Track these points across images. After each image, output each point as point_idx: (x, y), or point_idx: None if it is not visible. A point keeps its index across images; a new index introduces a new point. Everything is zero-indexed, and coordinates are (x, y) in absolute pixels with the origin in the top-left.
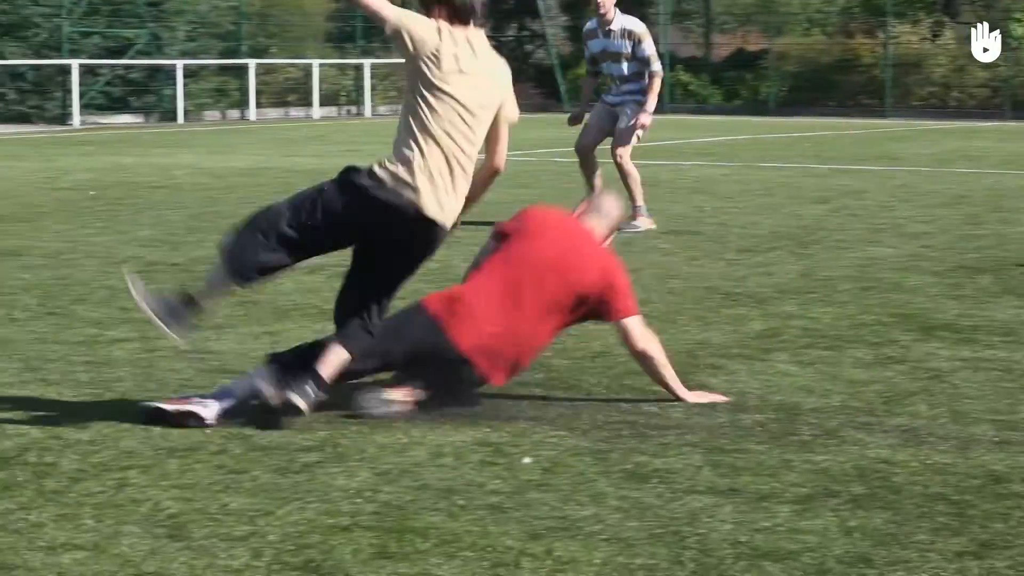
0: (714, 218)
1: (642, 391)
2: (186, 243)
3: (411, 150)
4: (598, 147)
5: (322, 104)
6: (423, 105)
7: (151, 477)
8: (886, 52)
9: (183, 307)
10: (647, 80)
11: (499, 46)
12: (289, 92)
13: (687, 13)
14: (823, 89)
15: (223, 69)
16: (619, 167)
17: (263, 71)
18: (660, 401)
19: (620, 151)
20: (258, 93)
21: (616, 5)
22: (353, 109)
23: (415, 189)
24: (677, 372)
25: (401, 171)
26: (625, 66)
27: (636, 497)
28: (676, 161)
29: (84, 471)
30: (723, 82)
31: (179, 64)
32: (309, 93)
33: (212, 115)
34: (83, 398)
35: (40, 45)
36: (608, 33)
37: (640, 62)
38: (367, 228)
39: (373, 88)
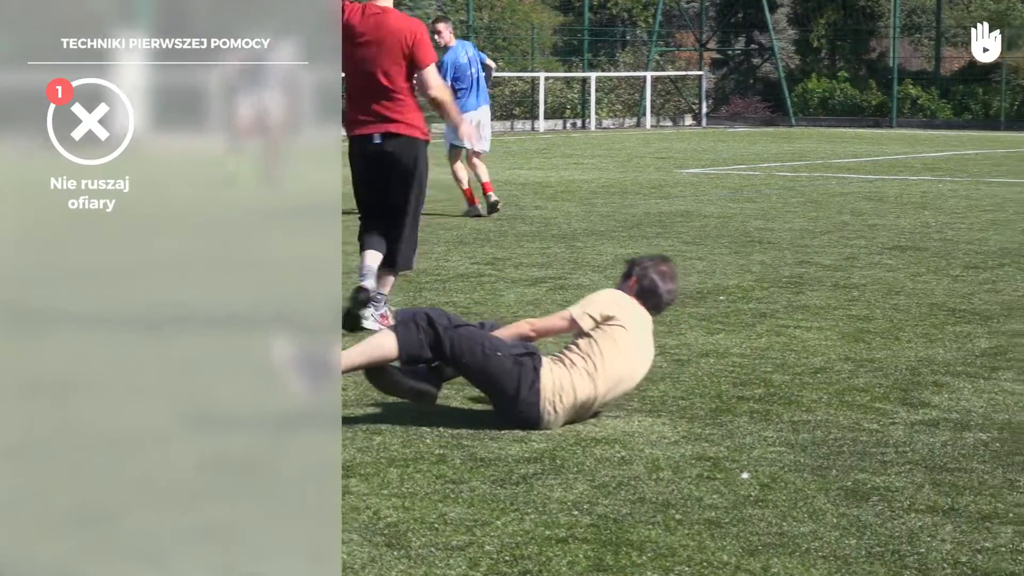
0: (940, 233)
1: (863, 408)
2: None
3: None
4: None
5: (547, 117)
6: None
7: (371, 486)
8: None
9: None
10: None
11: (726, 59)
12: (515, 105)
13: (917, 26)
14: None
15: None
16: None
17: (491, 84)
18: (881, 419)
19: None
20: None
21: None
22: (578, 122)
23: None
24: (897, 386)
25: None
26: None
27: (855, 515)
28: (903, 176)
29: None
30: (953, 96)
31: None
32: (535, 106)
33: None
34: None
35: None
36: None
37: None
38: None
39: (598, 101)
